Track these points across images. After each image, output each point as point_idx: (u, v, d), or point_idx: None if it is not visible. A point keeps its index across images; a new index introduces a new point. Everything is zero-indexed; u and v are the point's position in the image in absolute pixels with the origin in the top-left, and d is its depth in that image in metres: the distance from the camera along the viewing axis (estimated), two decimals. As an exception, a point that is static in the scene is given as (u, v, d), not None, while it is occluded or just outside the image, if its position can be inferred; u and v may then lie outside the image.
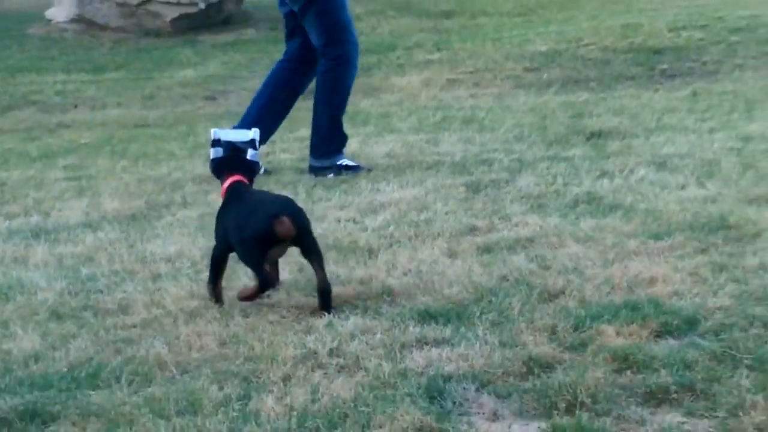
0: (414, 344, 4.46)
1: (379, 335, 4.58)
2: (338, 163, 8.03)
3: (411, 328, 4.63)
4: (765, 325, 4.34)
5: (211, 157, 5.38)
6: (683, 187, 6.66)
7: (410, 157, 8.16)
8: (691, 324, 4.44)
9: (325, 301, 4.99)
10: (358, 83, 12.45)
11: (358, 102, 11.41)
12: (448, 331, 4.57)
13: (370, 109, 10.82)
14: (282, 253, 5.19)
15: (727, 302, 4.63)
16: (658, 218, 5.98)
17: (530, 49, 13.60)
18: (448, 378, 4.09)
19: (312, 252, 5.08)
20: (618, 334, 4.36)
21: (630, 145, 7.89)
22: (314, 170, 8.05)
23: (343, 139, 8.19)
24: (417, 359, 4.29)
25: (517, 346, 4.33)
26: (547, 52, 13.41)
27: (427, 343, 4.47)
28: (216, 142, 5.36)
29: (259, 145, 5.43)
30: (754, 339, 4.20)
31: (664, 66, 12.07)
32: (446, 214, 6.50)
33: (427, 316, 4.76)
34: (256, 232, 4.95)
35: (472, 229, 6.12)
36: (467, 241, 5.87)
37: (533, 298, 4.87)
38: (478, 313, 4.73)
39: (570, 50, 13.41)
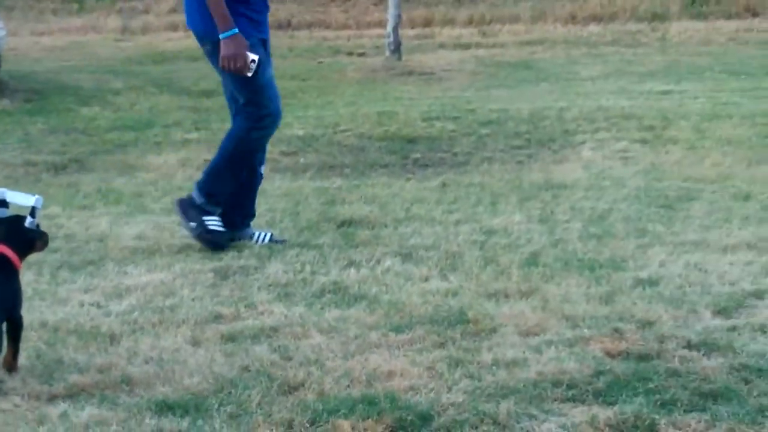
0: (149, 437, 4.42)
1: (114, 427, 4.53)
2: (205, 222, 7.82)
3: (147, 420, 4.59)
4: (494, 422, 4.48)
5: None
6: (427, 279, 6.82)
7: (160, 240, 8.09)
8: (425, 420, 4.54)
9: None
10: (112, 161, 12.38)
11: (111, 180, 11.28)
12: (185, 424, 4.55)
13: (123, 188, 10.69)
14: None
15: (460, 398, 4.75)
16: (400, 310, 6.11)
17: (288, 133, 13.70)
18: (180, 474, 4.06)
19: None
20: (353, 429, 4.43)
21: (378, 234, 8.03)
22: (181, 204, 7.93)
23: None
24: (151, 453, 4.25)
25: (252, 441, 4.34)
26: (304, 137, 13.55)
27: (162, 436, 4.44)
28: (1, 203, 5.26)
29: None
30: (483, 436, 4.32)
31: (417, 155, 12.34)
32: (193, 300, 6.48)
33: (164, 407, 4.73)
34: None
35: (217, 317, 6.12)
36: (212, 329, 5.86)
37: (273, 390, 4.90)
38: (216, 405, 4.73)
39: (327, 135, 13.58)
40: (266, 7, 7.83)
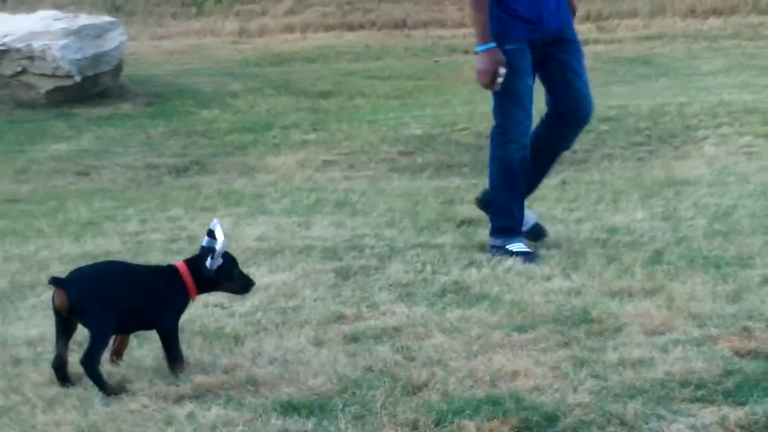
0: (275, 437, 4.45)
1: (240, 427, 4.56)
2: (508, 247, 7.37)
3: (273, 420, 4.61)
4: (621, 423, 4.41)
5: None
6: (549, 278, 6.76)
7: (281, 241, 8.15)
8: (550, 420, 4.49)
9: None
10: (232, 162, 12.51)
11: (232, 181, 11.41)
12: (310, 424, 4.57)
13: (243, 190, 10.81)
14: (68, 327, 5.19)
15: (586, 398, 4.69)
16: (523, 310, 6.06)
17: (405, 133, 13.73)
18: (308, 474, 4.08)
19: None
20: (479, 430, 4.40)
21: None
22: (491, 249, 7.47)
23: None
24: (278, 453, 4.27)
25: (378, 441, 4.34)
26: (421, 136, 13.54)
27: (288, 437, 4.46)
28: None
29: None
30: (611, 437, 4.26)
31: (535, 153, 12.24)
32: (315, 300, 6.51)
33: (289, 408, 4.76)
34: None
35: (340, 317, 6.14)
36: (334, 330, 5.88)
37: (397, 391, 4.89)
38: (341, 406, 4.74)
39: (444, 134, 13.56)
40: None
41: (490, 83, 7.21)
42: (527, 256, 7.23)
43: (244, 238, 8.27)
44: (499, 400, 4.68)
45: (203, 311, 6.36)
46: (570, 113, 7.56)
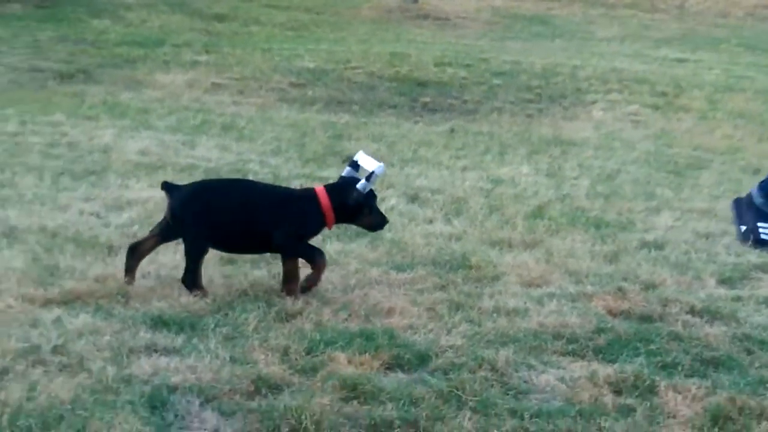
0: (143, 350, 4.36)
1: (107, 337, 4.46)
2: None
3: (142, 333, 4.53)
4: (492, 369, 4.41)
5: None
6: (431, 222, 6.74)
7: (164, 157, 8.01)
8: (422, 360, 4.48)
9: None
10: (120, 75, 12.25)
11: (118, 93, 11.16)
12: (179, 340, 4.49)
13: (129, 103, 10.59)
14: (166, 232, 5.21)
15: (459, 342, 4.69)
16: (403, 249, 6.04)
17: (298, 65, 13.58)
18: (173, 389, 4.01)
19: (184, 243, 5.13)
20: (350, 362, 4.36)
21: (385, 173, 7.94)
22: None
23: None
24: (144, 366, 4.19)
25: (247, 364, 4.28)
26: (314, 70, 13.41)
27: (156, 351, 4.38)
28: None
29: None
30: (481, 381, 4.26)
31: (427, 99, 12.22)
32: (193, 219, 6.39)
33: (160, 323, 4.67)
34: None
35: (217, 239, 6.03)
36: (211, 251, 5.77)
37: (270, 316, 4.84)
38: (212, 326, 4.67)
39: (337, 71, 13.44)
40: None
41: None
42: None
43: (126, 151, 8.10)
44: (372, 335, 4.65)
45: (78, 218, 6.22)
46: None
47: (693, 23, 23.12)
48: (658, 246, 6.47)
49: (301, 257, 5.18)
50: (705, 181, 8.47)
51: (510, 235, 6.48)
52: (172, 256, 5.58)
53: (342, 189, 5.24)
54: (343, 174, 5.35)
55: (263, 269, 5.52)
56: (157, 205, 6.60)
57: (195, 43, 15.19)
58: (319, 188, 5.27)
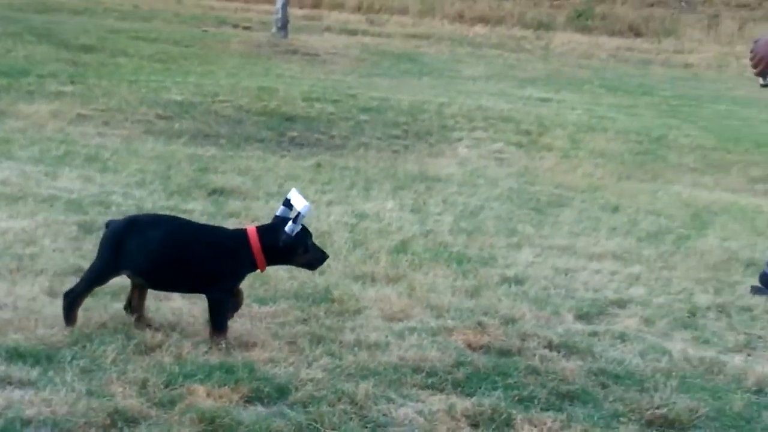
0: (-4, 383, 4.28)
1: (-41, 369, 4.37)
2: None
3: (-4, 366, 4.44)
4: (352, 402, 4.43)
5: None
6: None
7: (25, 188, 7.89)
8: (281, 393, 4.48)
9: None
10: (-18, 104, 12.03)
11: (-22, 123, 10.97)
12: (35, 373, 4.42)
13: (-10, 133, 10.41)
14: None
15: (319, 375, 4.70)
16: (265, 283, 6.02)
17: (165, 97, 13.50)
18: (27, 422, 3.95)
19: None
20: (209, 395, 4.34)
21: (249, 206, 7.94)
22: None
23: None
24: (-3, 399, 4.11)
25: (104, 397, 4.23)
26: (182, 102, 13.35)
27: (11, 383, 4.32)
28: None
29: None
30: (340, 414, 4.28)
31: (294, 133, 12.25)
32: (54, 251, 6.31)
33: (15, 355, 4.60)
34: None
35: (78, 271, 5.94)
36: (71, 282, 5.68)
37: (129, 349, 4.79)
38: (69, 358, 4.60)
39: (205, 104, 13.40)
40: None
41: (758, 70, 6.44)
42: None
43: (-15, 181, 7.96)
44: (232, 367, 4.64)
45: (-67, 249, 6.09)
46: None
47: (558, 64, 23.59)
48: (519, 281, 6.58)
49: (213, 312, 5.07)
50: (565, 219, 8.63)
51: (373, 269, 6.52)
52: (30, 287, 5.50)
53: (272, 231, 5.14)
54: (278, 213, 5.23)
55: (123, 302, 5.46)
56: (17, 235, 6.51)
57: (61, 74, 15.00)
58: (251, 229, 5.18)
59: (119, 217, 7.16)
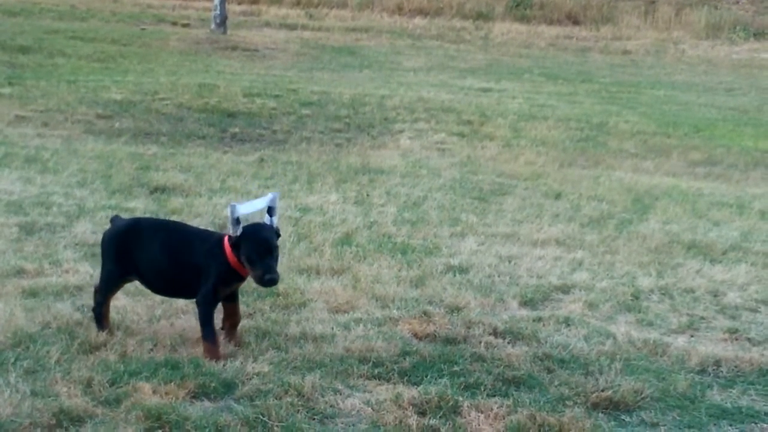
0: (-61, 387, 4.24)
1: None
2: None
3: (-63, 370, 4.40)
4: (299, 394, 4.43)
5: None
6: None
7: (-36, 191, 7.81)
8: (228, 387, 4.47)
9: None
10: None
11: None
12: (-22, 376, 4.38)
13: (-73, 136, 10.30)
14: None
15: (266, 368, 4.70)
16: (210, 279, 5.99)
17: (105, 96, 13.42)
18: (-29, 425, 3.91)
19: None
20: (155, 392, 4.33)
21: (192, 203, 7.91)
22: None
23: None
24: (-62, 404, 4.08)
25: (49, 397, 4.21)
26: (121, 101, 13.27)
27: (-47, 387, 4.27)
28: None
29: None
30: (287, 407, 4.28)
31: (236, 129, 12.22)
32: (-6, 253, 6.26)
33: (-43, 358, 4.55)
34: None
35: (20, 272, 5.92)
36: (12, 284, 5.67)
37: (74, 349, 4.77)
38: (13, 359, 4.57)
39: (145, 102, 13.33)
40: None
41: None
42: None
43: (-76, 185, 7.88)
44: (178, 364, 4.63)
45: None
46: None
47: (497, 54, 23.67)
48: (463, 270, 6.60)
49: (202, 321, 4.91)
50: (508, 207, 8.66)
51: (318, 262, 6.52)
52: (-29, 290, 5.46)
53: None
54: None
55: (67, 301, 5.43)
56: (-44, 239, 6.45)
57: (-3, 75, 14.87)
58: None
59: (61, 218, 7.16)
